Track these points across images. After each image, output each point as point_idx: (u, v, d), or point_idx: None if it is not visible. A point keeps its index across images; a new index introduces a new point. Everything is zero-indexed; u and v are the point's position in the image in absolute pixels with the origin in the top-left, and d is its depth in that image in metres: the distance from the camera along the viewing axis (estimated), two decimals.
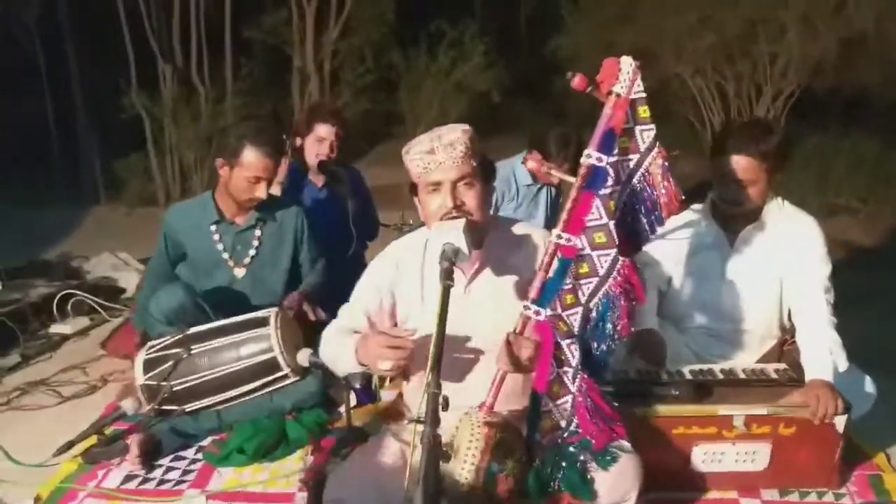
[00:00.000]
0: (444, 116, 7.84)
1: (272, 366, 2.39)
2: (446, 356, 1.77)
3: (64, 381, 3.14)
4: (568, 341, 1.66)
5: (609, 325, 1.67)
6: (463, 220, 1.67)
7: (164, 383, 2.36)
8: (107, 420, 2.40)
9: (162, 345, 2.44)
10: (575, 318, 1.67)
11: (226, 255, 2.72)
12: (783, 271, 2.26)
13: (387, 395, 2.68)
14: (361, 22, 7.69)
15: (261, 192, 2.60)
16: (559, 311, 1.66)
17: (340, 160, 3.27)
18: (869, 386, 2.25)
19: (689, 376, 2.21)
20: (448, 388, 1.75)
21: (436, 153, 1.73)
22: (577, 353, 1.65)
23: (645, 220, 1.69)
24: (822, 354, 2.07)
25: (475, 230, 1.75)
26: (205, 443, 2.45)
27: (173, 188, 7.10)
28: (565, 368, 1.67)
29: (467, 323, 1.81)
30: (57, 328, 3.93)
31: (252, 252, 2.74)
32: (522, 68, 9.85)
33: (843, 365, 2.08)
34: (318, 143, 3.21)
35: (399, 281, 1.91)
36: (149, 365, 2.41)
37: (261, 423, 2.38)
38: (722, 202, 2.26)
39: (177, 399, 2.38)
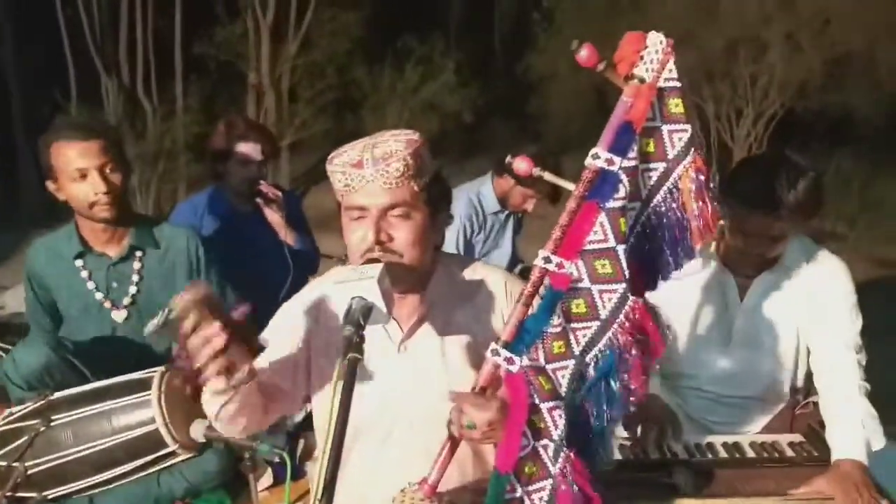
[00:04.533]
0: None
1: (155, 441, 1.88)
2: (378, 431, 1.43)
3: None
4: (550, 404, 1.20)
5: (614, 386, 1.22)
6: (379, 267, 1.19)
7: (16, 464, 1.84)
8: None
9: (18, 414, 1.93)
10: (563, 374, 1.22)
11: (99, 295, 2.18)
12: (802, 326, 1.83)
13: (314, 469, 2.19)
14: (323, 36, 7.28)
15: (98, 187, 2.03)
16: (542, 361, 1.21)
17: (271, 182, 2.80)
18: None
19: (684, 455, 1.76)
20: (380, 471, 1.42)
21: (364, 167, 1.27)
22: (560, 422, 1.20)
23: (668, 251, 1.24)
24: (853, 430, 1.65)
25: (405, 275, 1.32)
26: None
27: None
28: (544, 441, 1.21)
29: (405, 389, 1.41)
30: None
31: (132, 289, 2.20)
32: (497, 88, 9.54)
33: (878, 442, 1.66)
34: (243, 165, 2.72)
35: (317, 329, 1.46)
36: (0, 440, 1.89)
37: None
38: (736, 252, 1.82)
39: (35, 483, 1.87)
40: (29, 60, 7.39)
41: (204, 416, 1.94)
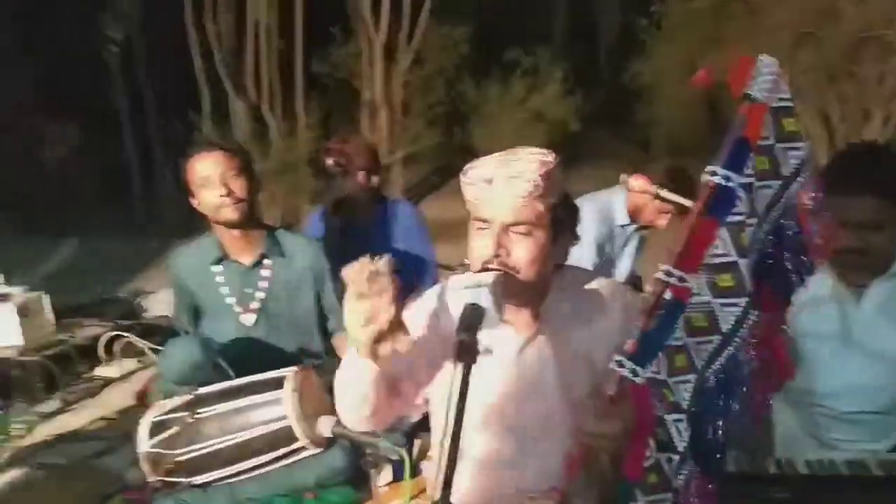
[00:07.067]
0: (519, 146, 7.53)
1: (288, 436, 2.06)
2: (491, 432, 1.48)
3: (90, 435, 2.94)
4: (674, 416, 1.23)
5: (735, 405, 1.24)
6: (491, 277, 1.26)
7: (168, 452, 2.06)
8: (110, 491, 2.12)
9: (170, 407, 2.15)
10: (685, 388, 1.24)
11: (231, 300, 2.40)
12: None
13: (429, 468, 2.29)
14: (433, 52, 7.49)
15: (220, 190, 2.26)
16: (664, 374, 1.24)
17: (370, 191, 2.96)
18: None
19: (804, 470, 1.72)
20: (491, 470, 1.47)
21: (493, 182, 1.33)
22: (685, 435, 1.23)
23: (790, 267, 1.26)
24: None
25: (519, 288, 1.36)
26: None
27: None
28: (668, 454, 1.24)
29: (519, 395, 1.46)
30: (102, 371, 3.78)
31: (261, 294, 2.40)
32: (603, 96, 9.45)
33: None
34: (332, 179, 2.93)
35: (435, 334, 1.50)
36: (154, 430, 2.13)
37: None
38: (842, 251, 1.77)
39: (183, 470, 2.08)
40: (164, 83, 8.08)
41: (332, 414, 2.12)
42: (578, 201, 2.83)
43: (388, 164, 7.39)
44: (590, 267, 2.71)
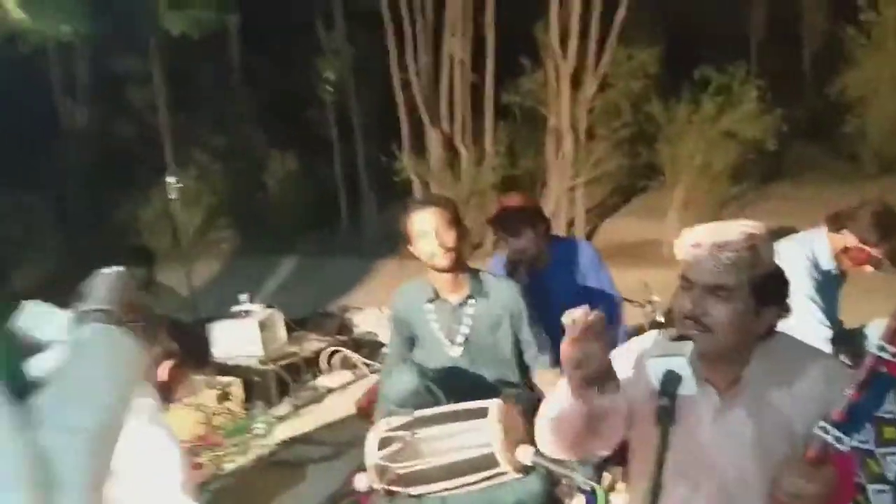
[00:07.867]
0: (708, 167, 7.35)
1: (490, 461, 2.32)
2: (688, 481, 1.58)
3: (317, 440, 3.41)
4: (877, 487, 1.30)
5: None
6: (691, 346, 1.38)
7: (391, 464, 2.41)
8: (338, 493, 2.51)
9: (393, 426, 2.51)
10: (892, 460, 1.31)
11: (440, 334, 2.72)
12: None
13: (618, 502, 2.44)
14: (620, 76, 7.53)
15: (432, 243, 2.54)
16: (871, 445, 1.31)
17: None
18: None
19: None
20: None
21: (701, 247, 1.47)
22: None
23: None
24: None
25: (716, 351, 1.48)
26: None
27: None
28: None
29: (717, 452, 1.55)
30: (323, 381, 4.32)
31: (465, 329, 2.70)
32: (806, 109, 8.90)
33: None
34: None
35: (636, 386, 1.61)
36: (381, 444, 2.48)
37: None
38: None
39: (402, 482, 2.42)
40: (369, 117, 8.91)
41: (529, 442, 2.35)
42: (781, 245, 2.77)
43: (571, 186, 7.55)
44: (810, 319, 2.70)
